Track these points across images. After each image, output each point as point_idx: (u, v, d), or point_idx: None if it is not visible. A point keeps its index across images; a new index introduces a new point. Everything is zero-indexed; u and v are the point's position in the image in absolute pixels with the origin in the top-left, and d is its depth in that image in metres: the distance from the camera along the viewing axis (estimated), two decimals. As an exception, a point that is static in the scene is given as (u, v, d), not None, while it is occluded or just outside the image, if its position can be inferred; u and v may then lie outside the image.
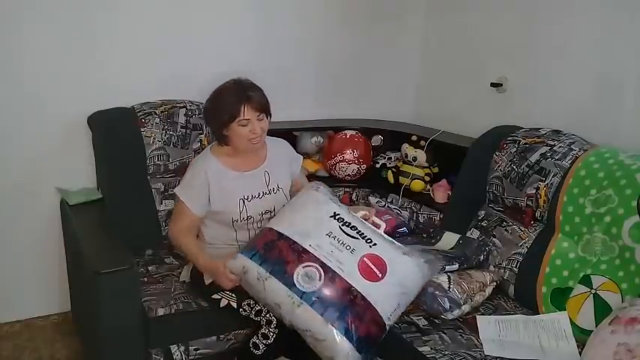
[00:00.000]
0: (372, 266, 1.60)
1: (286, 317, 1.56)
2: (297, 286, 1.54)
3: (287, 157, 1.99)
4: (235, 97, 1.76)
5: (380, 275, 1.59)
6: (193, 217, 1.81)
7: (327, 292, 1.53)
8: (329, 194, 1.82)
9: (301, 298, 1.52)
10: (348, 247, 1.62)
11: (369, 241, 1.66)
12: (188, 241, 1.82)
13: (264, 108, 1.79)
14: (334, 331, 1.49)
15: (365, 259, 1.61)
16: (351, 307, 1.52)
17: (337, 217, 1.70)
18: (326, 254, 1.59)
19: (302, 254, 1.59)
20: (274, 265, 1.59)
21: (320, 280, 1.55)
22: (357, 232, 1.68)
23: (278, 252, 1.61)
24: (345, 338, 1.49)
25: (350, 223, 1.70)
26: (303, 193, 1.83)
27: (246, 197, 1.82)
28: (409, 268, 1.64)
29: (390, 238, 1.72)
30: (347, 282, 1.55)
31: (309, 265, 1.58)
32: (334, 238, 1.64)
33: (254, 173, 1.87)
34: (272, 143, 1.95)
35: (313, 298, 1.52)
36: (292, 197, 1.88)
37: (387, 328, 1.58)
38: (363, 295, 1.54)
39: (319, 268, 1.57)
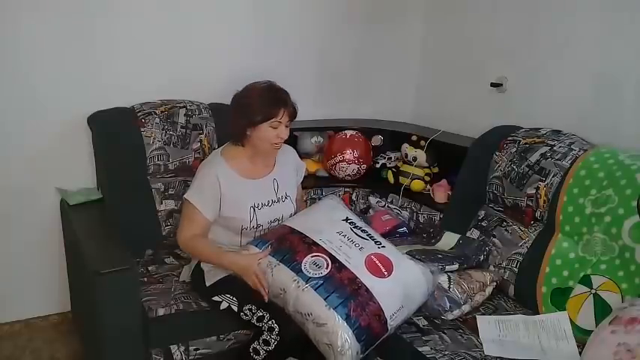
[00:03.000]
0: (379, 264, 1.65)
1: (290, 302, 1.59)
2: (304, 272, 1.60)
3: (294, 165, 1.99)
4: (274, 100, 1.77)
5: (386, 273, 1.63)
6: (205, 221, 1.79)
7: (332, 279, 1.59)
8: (342, 204, 1.91)
9: (307, 282, 1.58)
10: (357, 245, 1.69)
11: (378, 243, 1.72)
12: (204, 244, 1.79)
13: (294, 116, 1.83)
14: (335, 315, 1.52)
15: (372, 256, 1.66)
16: (355, 296, 1.56)
17: (349, 221, 1.78)
18: (335, 248, 1.66)
19: (312, 246, 1.66)
20: (284, 254, 1.66)
21: (327, 268, 1.61)
22: (367, 235, 1.74)
23: (289, 244, 1.68)
24: (345, 323, 1.52)
25: (361, 227, 1.77)
26: (319, 202, 1.96)
27: (256, 205, 1.81)
28: (415, 273, 1.68)
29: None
30: (353, 273, 1.60)
31: (318, 255, 1.64)
32: (344, 236, 1.71)
33: (263, 181, 1.86)
34: (280, 150, 1.93)
35: (318, 283, 1.57)
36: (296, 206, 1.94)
37: (389, 329, 1.58)
38: (367, 288, 1.58)
39: (327, 258, 1.63)
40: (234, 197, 1.79)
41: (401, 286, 1.62)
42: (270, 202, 1.85)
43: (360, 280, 1.59)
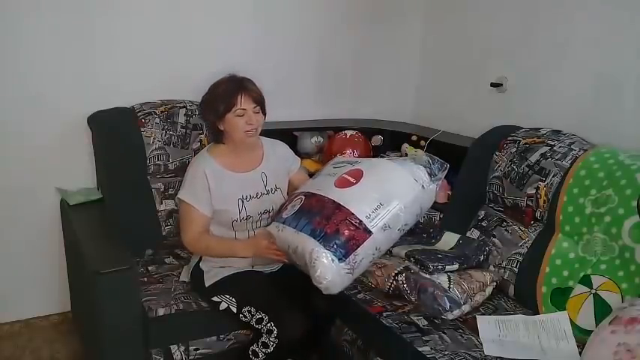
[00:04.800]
0: (348, 177, 1.72)
1: (281, 247, 1.70)
2: (283, 216, 1.73)
3: (283, 158, 1.98)
4: (232, 87, 1.78)
5: (354, 181, 1.69)
6: (204, 217, 1.79)
7: (301, 210, 1.69)
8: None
9: (283, 223, 1.71)
10: (333, 174, 1.77)
11: (354, 163, 1.80)
12: (211, 240, 1.81)
13: (260, 100, 1.81)
14: (302, 235, 1.62)
15: (344, 175, 1.74)
16: (320, 212, 1.64)
17: (338, 163, 1.89)
18: (314, 186, 1.78)
19: (295, 196, 1.78)
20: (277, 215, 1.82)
21: (300, 203, 1.72)
22: (348, 162, 1.84)
23: (283, 206, 1.82)
24: (310, 237, 1.59)
25: (347, 161, 1.87)
26: None
27: (244, 197, 1.82)
28: (391, 170, 1.74)
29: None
30: (321, 196, 1.68)
31: (295, 198, 1.77)
32: (327, 175, 1.81)
33: (251, 175, 1.87)
34: (268, 144, 1.94)
35: (289, 219, 1.70)
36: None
37: (372, 229, 1.61)
38: (333, 200, 1.65)
39: (302, 197, 1.75)
40: (223, 191, 1.80)
41: (372, 186, 1.68)
42: (259, 194, 1.86)
43: (327, 197, 1.66)
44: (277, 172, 1.93)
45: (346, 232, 1.58)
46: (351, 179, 1.70)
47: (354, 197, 1.64)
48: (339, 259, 1.56)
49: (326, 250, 1.56)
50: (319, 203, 1.66)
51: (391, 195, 1.66)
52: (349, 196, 1.65)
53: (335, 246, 1.56)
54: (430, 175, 1.79)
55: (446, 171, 1.86)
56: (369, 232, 1.60)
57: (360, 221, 1.59)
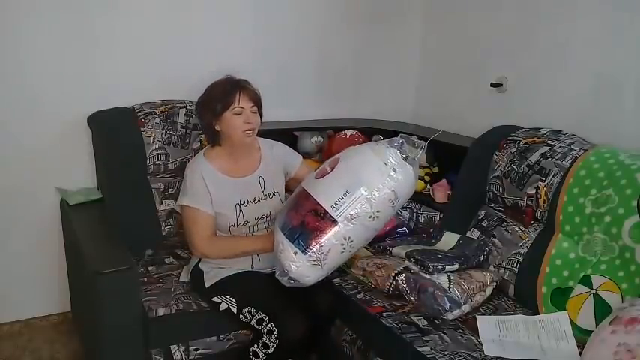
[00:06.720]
0: (327, 166, 1.69)
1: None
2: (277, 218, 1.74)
3: (282, 159, 1.96)
4: (230, 86, 1.78)
5: (329, 170, 1.66)
6: (210, 218, 1.77)
7: (286, 205, 1.71)
8: None
9: (275, 220, 1.74)
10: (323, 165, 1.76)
11: (342, 152, 1.76)
12: (223, 240, 1.80)
13: (257, 100, 1.81)
14: (277, 229, 1.65)
15: (325, 164, 1.72)
16: (295, 205, 1.65)
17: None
18: (304, 181, 1.76)
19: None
20: None
21: (289, 197, 1.75)
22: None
23: None
24: (279, 231, 1.63)
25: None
26: None
27: (242, 202, 1.81)
28: (363, 155, 1.67)
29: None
30: (302, 188, 1.68)
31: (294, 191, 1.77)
32: (322, 166, 1.76)
33: (248, 180, 1.85)
34: (266, 146, 1.93)
35: (278, 215, 1.73)
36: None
37: (337, 218, 1.56)
38: (307, 192, 1.64)
39: (297, 191, 1.73)
40: (220, 195, 1.78)
41: (342, 174, 1.62)
42: (257, 199, 1.84)
43: (305, 189, 1.66)
44: (275, 176, 1.91)
45: (310, 224, 1.57)
46: (328, 168, 1.66)
47: (324, 187, 1.62)
48: (302, 252, 1.56)
49: (290, 244, 1.57)
50: (300, 196, 1.67)
51: (359, 182, 1.59)
52: (321, 186, 1.63)
53: (298, 239, 1.56)
54: (404, 156, 1.66)
55: (421, 149, 1.70)
56: (334, 222, 1.56)
57: (325, 212, 1.56)
